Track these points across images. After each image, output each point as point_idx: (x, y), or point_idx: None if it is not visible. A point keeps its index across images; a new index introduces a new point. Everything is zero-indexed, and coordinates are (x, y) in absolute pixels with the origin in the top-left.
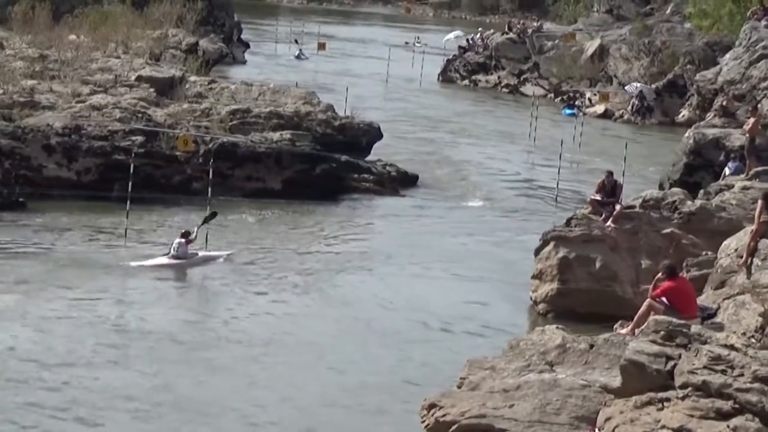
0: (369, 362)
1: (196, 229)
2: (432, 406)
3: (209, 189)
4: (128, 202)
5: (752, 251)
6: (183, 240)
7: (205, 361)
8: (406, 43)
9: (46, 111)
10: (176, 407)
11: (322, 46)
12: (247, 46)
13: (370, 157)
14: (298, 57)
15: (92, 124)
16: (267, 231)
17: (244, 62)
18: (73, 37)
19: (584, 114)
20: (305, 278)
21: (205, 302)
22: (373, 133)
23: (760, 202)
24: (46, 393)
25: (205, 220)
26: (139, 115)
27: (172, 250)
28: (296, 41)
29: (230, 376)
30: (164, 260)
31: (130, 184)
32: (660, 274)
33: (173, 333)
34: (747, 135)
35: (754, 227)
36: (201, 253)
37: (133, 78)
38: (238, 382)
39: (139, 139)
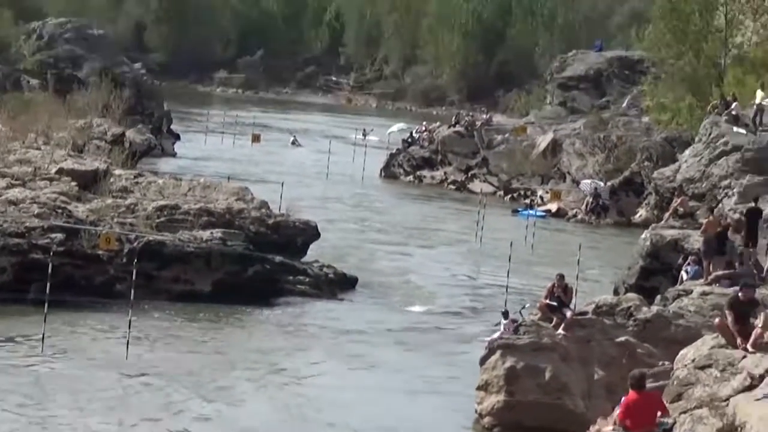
0: None
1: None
2: None
3: (132, 291)
4: (46, 306)
5: None
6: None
7: None
8: (361, 137)
9: None
10: None
11: (256, 138)
12: (177, 137)
13: (306, 258)
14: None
15: (8, 220)
16: (192, 338)
17: (173, 154)
18: None
19: (543, 216)
20: (229, 392)
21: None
22: (310, 232)
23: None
24: None
25: None
26: (59, 210)
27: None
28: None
29: None
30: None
31: (48, 285)
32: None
33: None
34: (702, 237)
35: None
36: None
37: (53, 171)
38: None
39: (59, 236)
